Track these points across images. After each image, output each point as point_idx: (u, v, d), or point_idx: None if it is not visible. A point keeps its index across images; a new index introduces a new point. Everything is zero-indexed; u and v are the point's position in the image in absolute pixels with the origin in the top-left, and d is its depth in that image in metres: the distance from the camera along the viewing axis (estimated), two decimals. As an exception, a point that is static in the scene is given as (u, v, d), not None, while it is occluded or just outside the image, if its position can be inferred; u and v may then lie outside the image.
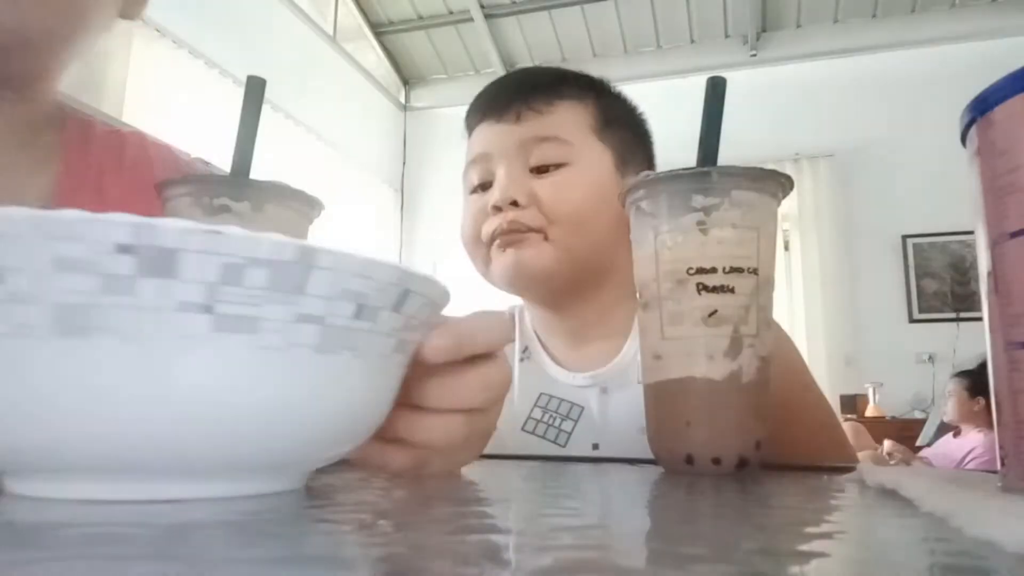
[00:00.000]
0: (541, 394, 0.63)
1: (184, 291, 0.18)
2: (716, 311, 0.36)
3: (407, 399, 0.28)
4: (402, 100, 4.45)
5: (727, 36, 3.94)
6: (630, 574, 0.14)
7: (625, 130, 0.64)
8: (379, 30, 4.12)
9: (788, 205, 3.37)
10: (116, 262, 0.18)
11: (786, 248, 3.73)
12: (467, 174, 0.64)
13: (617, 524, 0.22)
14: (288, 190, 0.41)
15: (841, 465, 0.38)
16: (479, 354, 0.30)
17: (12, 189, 0.47)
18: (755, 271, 0.36)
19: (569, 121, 0.61)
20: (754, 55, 3.85)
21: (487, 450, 0.35)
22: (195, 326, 0.19)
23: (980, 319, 0.26)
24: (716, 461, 0.36)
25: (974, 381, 2.34)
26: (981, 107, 0.24)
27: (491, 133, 0.62)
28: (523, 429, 0.61)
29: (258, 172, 0.40)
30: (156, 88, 2.51)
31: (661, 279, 0.37)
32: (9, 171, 0.48)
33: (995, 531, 0.16)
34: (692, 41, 3.98)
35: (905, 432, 2.81)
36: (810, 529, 0.21)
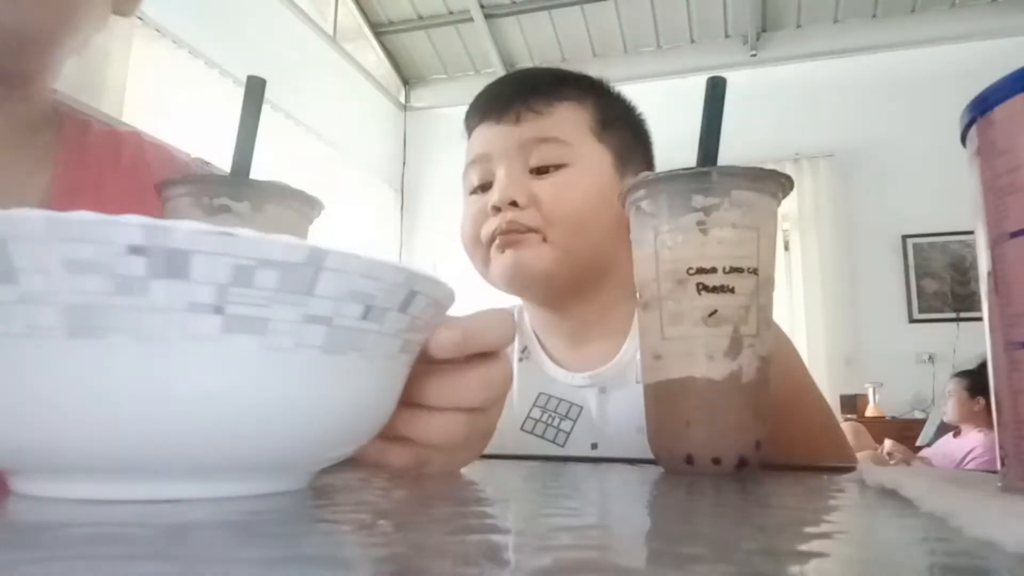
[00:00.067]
0: (540, 394, 0.63)
1: (195, 292, 0.18)
2: (716, 311, 0.36)
3: (408, 397, 0.28)
4: (402, 100, 4.45)
5: (727, 36, 3.93)
6: (630, 574, 0.14)
7: (625, 131, 0.64)
8: (379, 30, 4.12)
9: (788, 205, 3.37)
10: (128, 263, 0.18)
11: (786, 248, 3.73)
12: (467, 175, 0.64)
13: (617, 524, 0.22)
14: (288, 190, 0.41)
15: (841, 465, 0.38)
16: (481, 353, 0.30)
17: (9, 189, 0.47)
18: (755, 271, 0.36)
19: (569, 122, 0.61)
20: (754, 55, 3.85)
21: (487, 450, 0.35)
22: (206, 327, 0.19)
23: (980, 319, 0.26)
24: (716, 461, 0.36)
25: (974, 381, 2.34)
26: (981, 107, 0.24)
27: (491, 134, 0.62)
28: (522, 429, 0.61)
29: (258, 172, 0.40)
30: (156, 88, 2.51)
31: (661, 279, 0.37)
32: (6, 171, 0.48)
33: (995, 531, 0.16)
34: (692, 41, 3.97)
35: (905, 432, 2.81)
36: (810, 529, 0.21)
